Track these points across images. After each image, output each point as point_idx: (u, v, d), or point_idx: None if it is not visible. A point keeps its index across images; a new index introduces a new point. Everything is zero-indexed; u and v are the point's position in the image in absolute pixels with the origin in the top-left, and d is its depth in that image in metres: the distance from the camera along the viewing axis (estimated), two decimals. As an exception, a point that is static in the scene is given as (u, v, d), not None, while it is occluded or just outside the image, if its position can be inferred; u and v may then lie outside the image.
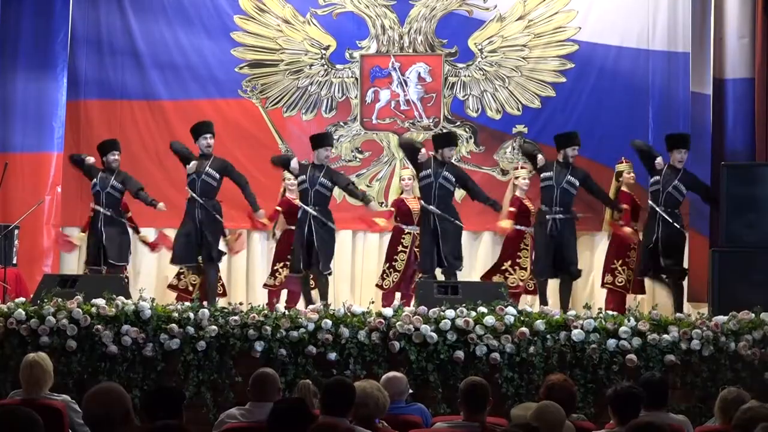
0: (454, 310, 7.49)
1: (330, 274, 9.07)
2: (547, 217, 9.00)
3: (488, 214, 9.89)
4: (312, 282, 9.09)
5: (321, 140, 9.28)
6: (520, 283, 9.58)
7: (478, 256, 10.54)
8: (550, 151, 9.35)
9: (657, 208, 8.83)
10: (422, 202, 9.07)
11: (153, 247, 10.08)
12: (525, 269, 9.61)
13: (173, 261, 9.36)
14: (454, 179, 9.07)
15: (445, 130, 10.42)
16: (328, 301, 8.61)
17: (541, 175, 9.16)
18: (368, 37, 11.09)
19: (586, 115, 10.67)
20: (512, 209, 9.68)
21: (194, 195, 9.03)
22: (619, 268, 9.45)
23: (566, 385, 5.39)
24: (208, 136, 9.21)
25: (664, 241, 8.79)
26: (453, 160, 9.87)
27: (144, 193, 9.40)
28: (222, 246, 9.34)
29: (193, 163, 9.06)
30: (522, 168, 10.09)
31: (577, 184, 9.06)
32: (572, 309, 8.37)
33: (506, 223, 9.60)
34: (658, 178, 8.95)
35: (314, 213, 8.87)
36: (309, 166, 9.12)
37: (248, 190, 9.23)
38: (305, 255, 8.89)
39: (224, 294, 9.86)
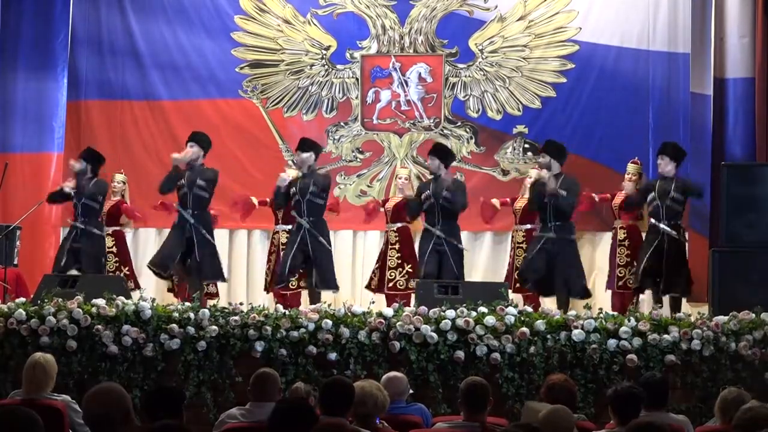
0: (454, 310, 7.49)
1: (335, 290, 9.11)
2: (542, 233, 8.88)
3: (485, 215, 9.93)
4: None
5: (299, 146, 9.28)
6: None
7: (478, 256, 10.53)
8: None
9: (659, 225, 8.71)
10: (426, 224, 9.00)
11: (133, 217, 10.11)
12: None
13: (152, 262, 9.17)
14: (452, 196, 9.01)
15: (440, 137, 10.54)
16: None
17: None
18: (369, 38, 11.08)
19: (587, 115, 10.67)
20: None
21: (183, 212, 8.94)
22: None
23: (567, 385, 5.40)
24: (188, 145, 9.11)
25: (669, 257, 8.66)
26: (454, 162, 9.87)
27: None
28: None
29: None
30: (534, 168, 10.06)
31: (565, 194, 8.86)
32: (572, 309, 8.36)
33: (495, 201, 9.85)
34: (653, 194, 8.85)
35: (308, 227, 8.85)
36: (300, 178, 9.09)
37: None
38: (302, 268, 8.92)
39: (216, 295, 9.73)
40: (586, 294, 8.89)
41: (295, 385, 6.26)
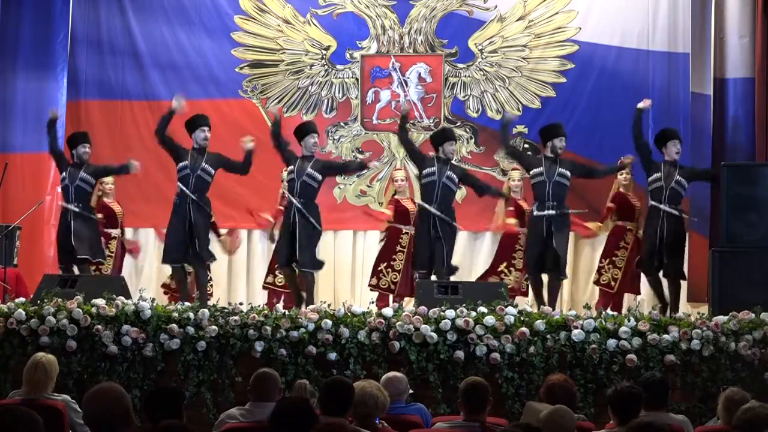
0: (454, 310, 7.48)
1: (312, 272, 8.92)
2: (539, 213, 8.79)
3: (488, 213, 9.92)
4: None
5: (305, 129, 9.14)
6: (515, 285, 9.52)
7: (478, 256, 10.53)
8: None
9: (661, 206, 8.70)
10: (420, 201, 8.92)
11: (131, 252, 10.07)
12: (520, 270, 9.59)
13: (165, 260, 9.10)
14: (457, 180, 8.94)
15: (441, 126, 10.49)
16: (313, 300, 8.57)
17: (531, 173, 8.95)
18: (368, 38, 11.10)
19: (587, 115, 10.68)
20: (511, 208, 9.70)
21: (186, 191, 8.82)
22: (606, 267, 9.49)
23: (566, 385, 5.40)
24: (206, 129, 8.99)
25: (668, 239, 8.66)
26: (454, 161, 9.87)
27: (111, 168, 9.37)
28: (217, 246, 9.26)
29: (184, 162, 8.92)
30: (515, 170, 10.10)
31: (569, 175, 8.82)
32: (572, 309, 8.36)
33: (512, 221, 9.65)
34: (658, 174, 8.82)
35: (298, 205, 8.72)
36: (298, 158, 8.99)
37: (239, 166, 9.01)
38: (289, 249, 8.76)
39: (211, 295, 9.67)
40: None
41: (300, 381, 6.24)
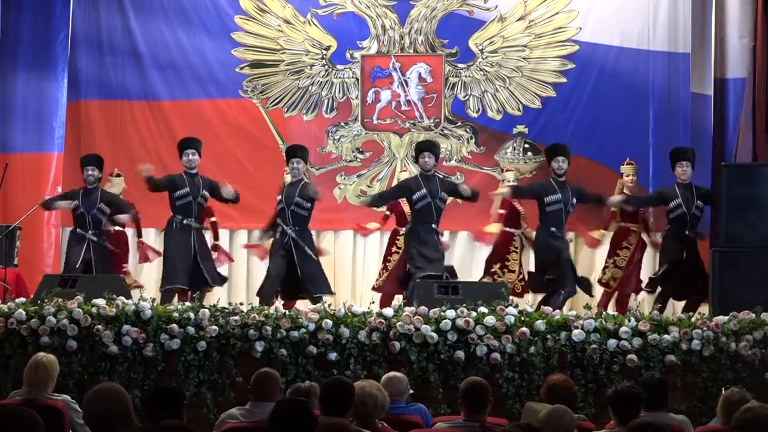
0: (454, 310, 7.48)
1: (331, 294, 9.06)
2: (556, 242, 8.86)
3: (487, 213, 9.91)
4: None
5: (287, 154, 9.22)
6: (509, 286, 9.51)
7: (478, 256, 10.53)
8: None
9: (688, 233, 8.76)
10: (425, 223, 8.85)
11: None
12: (513, 272, 9.60)
13: (165, 284, 8.98)
14: (448, 198, 9.03)
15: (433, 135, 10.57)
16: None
17: (546, 200, 8.91)
18: (369, 38, 11.10)
19: (587, 115, 10.69)
20: (502, 211, 9.68)
21: (187, 221, 8.89)
22: (609, 266, 9.49)
23: (567, 385, 5.40)
24: (190, 152, 9.00)
25: (694, 268, 8.73)
26: (454, 161, 9.88)
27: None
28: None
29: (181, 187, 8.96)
30: (508, 170, 10.11)
31: (575, 202, 8.95)
32: (572, 309, 8.37)
33: (494, 227, 9.62)
34: (677, 201, 8.84)
35: (293, 235, 8.79)
36: (286, 186, 9.06)
37: (222, 197, 9.05)
38: (289, 282, 8.83)
39: None
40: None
41: (300, 384, 6.22)
